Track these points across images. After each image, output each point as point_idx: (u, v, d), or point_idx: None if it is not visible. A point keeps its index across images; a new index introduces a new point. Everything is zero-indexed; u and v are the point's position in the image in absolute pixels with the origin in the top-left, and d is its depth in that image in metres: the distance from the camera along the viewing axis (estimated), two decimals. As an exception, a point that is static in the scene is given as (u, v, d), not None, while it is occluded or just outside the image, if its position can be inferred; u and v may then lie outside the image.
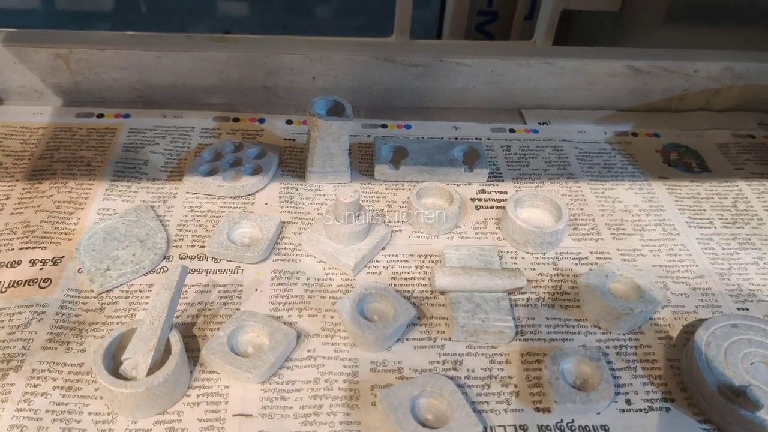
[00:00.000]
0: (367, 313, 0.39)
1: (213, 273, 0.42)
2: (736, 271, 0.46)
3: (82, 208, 0.46)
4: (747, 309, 0.43)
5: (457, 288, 0.40)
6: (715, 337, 0.38)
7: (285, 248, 0.45)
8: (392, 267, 0.44)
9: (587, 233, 0.48)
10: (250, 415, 0.34)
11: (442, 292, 0.42)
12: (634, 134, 0.60)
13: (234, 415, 0.34)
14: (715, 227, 0.50)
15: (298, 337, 0.38)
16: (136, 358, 0.34)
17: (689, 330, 0.41)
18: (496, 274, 0.41)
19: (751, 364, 0.37)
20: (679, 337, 0.41)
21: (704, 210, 0.51)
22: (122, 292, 0.40)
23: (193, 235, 0.45)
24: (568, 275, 0.44)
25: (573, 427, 0.35)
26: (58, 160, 0.51)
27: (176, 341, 0.35)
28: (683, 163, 0.57)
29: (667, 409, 0.36)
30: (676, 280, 0.45)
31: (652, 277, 0.42)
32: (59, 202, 0.47)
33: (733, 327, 0.39)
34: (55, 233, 0.44)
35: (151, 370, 0.33)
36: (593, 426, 0.35)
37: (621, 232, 0.49)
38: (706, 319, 0.39)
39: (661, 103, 0.63)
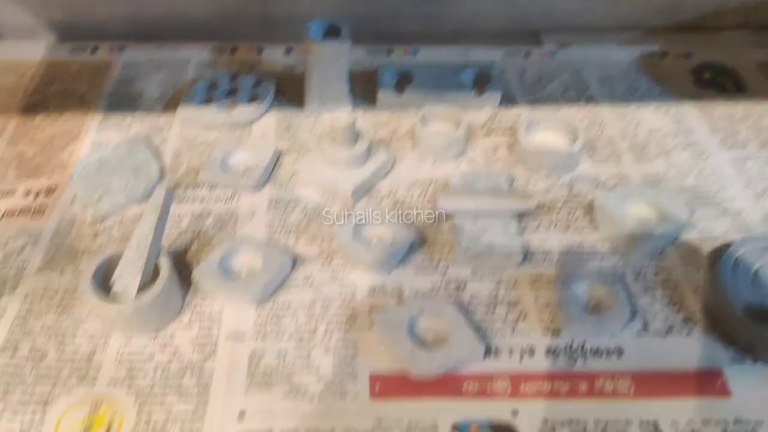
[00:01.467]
0: (366, 238, 0.37)
1: (208, 201, 0.41)
2: (773, 193, 0.42)
3: (76, 141, 0.45)
4: (782, 233, 0.39)
5: (461, 210, 0.38)
6: (744, 259, 0.35)
7: (282, 177, 0.43)
8: (395, 194, 0.42)
9: (606, 157, 0.45)
10: (243, 336, 0.33)
11: (447, 219, 0.39)
12: (664, 54, 0.55)
13: (227, 337, 0.33)
14: (750, 149, 0.45)
15: (294, 261, 0.37)
16: (125, 279, 0.33)
17: (717, 253, 0.38)
18: (502, 196, 0.38)
19: (784, 287, 0.34)
20: (705, 261, 0.37)
21: (739, 132, 0.47)
22: (116, 221, 0.39)
23: (187, 165, 0.44)
24: (584, 199, 0.41)
25: (584, 349, 0.33)
26: (52, 95, 0.49)
27: (165, 264, 0.33)
28: (717, 83, 0.52)
29: (689, 333, 0.34)
30: (704, 204, 0.41)
31: (676, 199, 0.38)
32: (53, 135, 0.46)
33: (765, 250, 0.36)
34: (49, 165, 0.43)
35: (141, 293, 0.32)
36: (606, 348, 0.33)
37: (644, 155, 0.45)
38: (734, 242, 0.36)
39: (694, 21, 0.57)
